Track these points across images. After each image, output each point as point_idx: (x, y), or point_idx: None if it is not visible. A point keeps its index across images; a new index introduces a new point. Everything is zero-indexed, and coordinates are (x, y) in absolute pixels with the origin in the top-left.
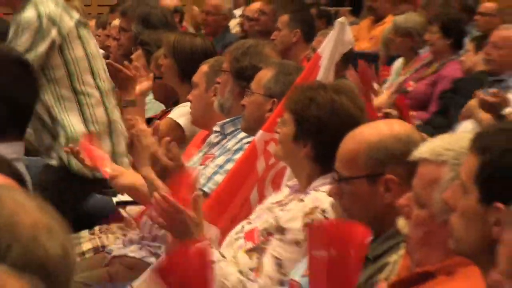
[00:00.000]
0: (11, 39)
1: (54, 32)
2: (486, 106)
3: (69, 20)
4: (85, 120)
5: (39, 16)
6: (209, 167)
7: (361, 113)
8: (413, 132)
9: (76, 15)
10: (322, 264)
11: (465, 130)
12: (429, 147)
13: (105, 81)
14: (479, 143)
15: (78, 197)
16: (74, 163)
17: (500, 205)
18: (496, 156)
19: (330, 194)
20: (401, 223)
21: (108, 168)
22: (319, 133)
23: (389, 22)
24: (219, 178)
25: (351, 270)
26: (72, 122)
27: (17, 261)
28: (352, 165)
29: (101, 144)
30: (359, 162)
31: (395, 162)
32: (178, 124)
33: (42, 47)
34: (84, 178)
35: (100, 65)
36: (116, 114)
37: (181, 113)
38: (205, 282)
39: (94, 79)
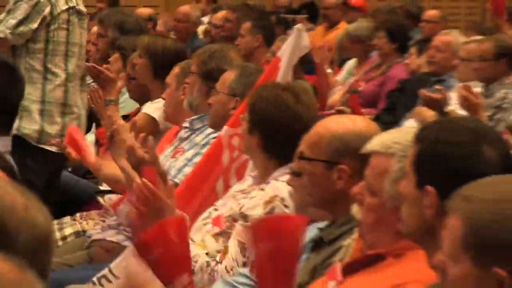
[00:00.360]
0: (10, 8)
1: (47, 10)
2: (430, 103)
3: (64, 4)
4: (43, 95)
5: None
6: (179, 160)
7: (306, 109)
8: (373, 130)
9: (73, 3)
10: (265, 256)
11: (411, 126)
12: (379, 141)
13: (76, 68)
14: (418, 135)
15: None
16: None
17: (430, 188)
18: (427, 145)
19: (289, 183)
20: (355, 210)
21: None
22: (265, 126)
23: (341, 28)
24: (187, 170)
25: (291, 260)
26: (31, 93)
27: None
28: (314, 148)
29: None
30: (320, 147)
31: (351, 155)
32: (153, 118)
33: (35, 23)
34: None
35: (77, 53)
36: (74, 100)
37: (155, 108)
38: (184, 250)
39: (66, 63)
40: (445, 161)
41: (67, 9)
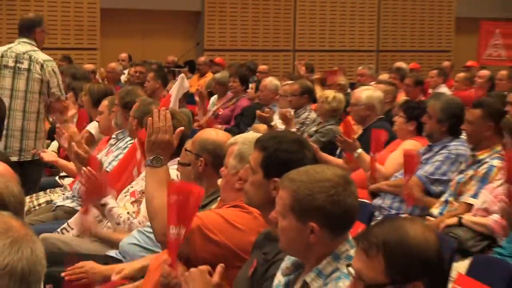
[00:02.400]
0: None
1: None
2: (262, 120)
3: None
4: None
5: None
6: (109, 157)
7: (185, 122)
8: (226, 136)
9: (6, 62)
10: (173, 204)
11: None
12: (233, 138)
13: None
14: (261, 143)
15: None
16: None
17: (276, 179)
18: (272, 152)
19: (178, 170)
20: (219, 181)
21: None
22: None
23: (208, 76)
24: (114, 163)
25: (190, 210)
26: None
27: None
28: (193, 145)
29: None
30: (195, 145)
31: (208, 153)
32: (91, 133)
33: None
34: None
35: (7, 95)
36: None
37: (92, 127)
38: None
39: None
40: (285, 162)
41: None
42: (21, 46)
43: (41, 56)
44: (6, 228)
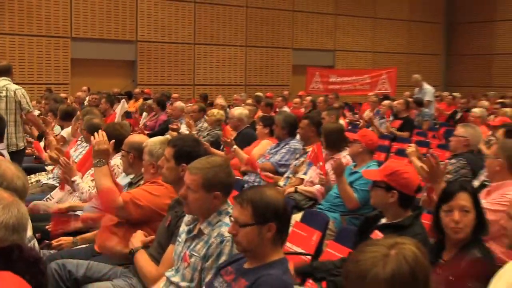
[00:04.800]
0: None
1: None
2: (174, 130)
3: None
4: None
5: None
6: (77, 152)
7: (129, 132)
8: (143, 142)
9: None
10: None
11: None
12: (146, 141)
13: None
14: (172, 142)
15: None
16: None
17: (184, 164)
18: (179, 148)
19: (121, 159)
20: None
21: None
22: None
23: (139, 101)
24: (80, 156)
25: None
26: None
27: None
28: (125, 145)
29: None
30: (127, 145)
31: (134, 150)
32: (63, 136)
33: None
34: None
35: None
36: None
37: (65, 132)
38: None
39: None
40: (188, 153)
41: None
42: (1, 82)
43: (13, 86)
44: None
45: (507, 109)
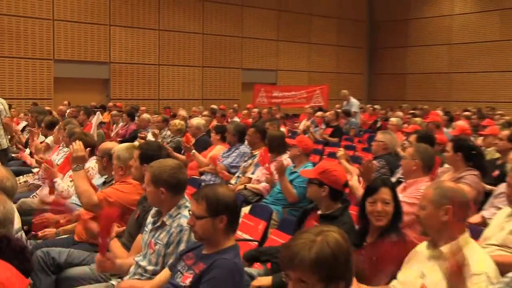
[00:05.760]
0: None
1: None
2: (140, 137)
3: None
4: None
5: None
6: (59, 156)
7: (95, 141)
8: (113, 147)
9: None
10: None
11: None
12: (114, 148)
13: None
14: (139, 147)
15: None
16: None
17: (147, 165)
18: (144, 152)
19: (96, 163)
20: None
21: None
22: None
23: (111, 113)
24: (61, 160)
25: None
26: None
27: None
28: (99, 151)
29: None
30: (100, 151)
31: (107, 155)
32: (48, 143)
33: None
34: None
35: None
36: None
37: (49, 140)
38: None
39: None
40: (151, 157)
41: None
42: None
43: None
44: None
45: (417, 119)
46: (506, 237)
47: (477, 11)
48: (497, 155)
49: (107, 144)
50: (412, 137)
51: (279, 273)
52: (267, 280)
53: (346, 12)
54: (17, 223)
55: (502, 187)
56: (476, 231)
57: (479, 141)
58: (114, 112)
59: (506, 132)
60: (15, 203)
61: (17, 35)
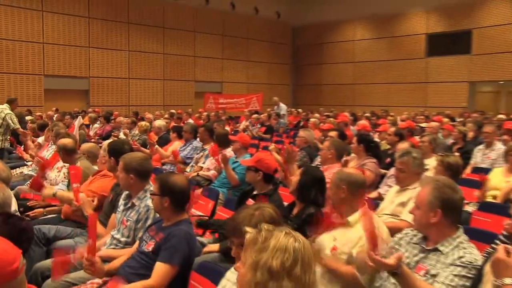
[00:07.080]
0: None
1: None
2: (113, 136)
3: None
4: None
5: None
6: (48, 152)
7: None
8: (92, 146)
9: None
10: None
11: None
12: (103, 147)
13: None
14: (110, 144)
15: None
16: None
17: (113, 158)
18: (112, 148)
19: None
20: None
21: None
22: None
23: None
24: (50, 155)
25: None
26: None
27: None
28: (81, 150)
29: None
30: (83, 150)
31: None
32: (39, 142)
33: None
34: None
35: None
36: None
37: (41, 139)
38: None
39: None
40: (119, 151)
41: None
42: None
43: (5, 111)
44: None
45: (331, 119)
46: (395, 208)
47: (372, 37)
48: (388, 146)
49: (85, 145)
50: (333, 133)
51: (225, 241)
52: (215, 246)
53: (276, 37)
54: (13, 206)
55: (392, 171)
56: (375, 204)
57: (376, 135)
58: (90, 114)
59: (393, 129)
60: (12, 189)
61: (13, 55)
